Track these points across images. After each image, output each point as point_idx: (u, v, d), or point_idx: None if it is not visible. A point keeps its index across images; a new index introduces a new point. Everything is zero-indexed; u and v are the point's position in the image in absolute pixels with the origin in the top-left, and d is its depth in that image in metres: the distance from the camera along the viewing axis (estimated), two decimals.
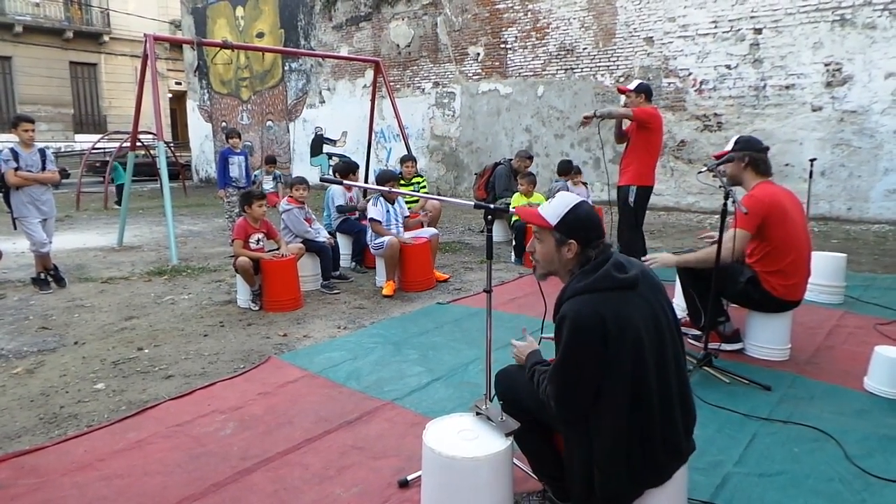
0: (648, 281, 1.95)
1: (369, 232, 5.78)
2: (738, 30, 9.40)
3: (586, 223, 1.97)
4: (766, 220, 3.44)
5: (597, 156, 11.03)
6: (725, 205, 3.31)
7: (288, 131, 16.89)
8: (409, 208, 6.31)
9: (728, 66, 9.54)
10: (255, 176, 10.03)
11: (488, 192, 8.39)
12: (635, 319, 1.82)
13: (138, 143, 9.16)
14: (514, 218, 6.86)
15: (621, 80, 10.59)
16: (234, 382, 3.53)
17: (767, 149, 3.70)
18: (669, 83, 10.12)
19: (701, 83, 9.82)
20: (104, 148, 17.78)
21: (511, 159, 8.32)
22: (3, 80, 23.22)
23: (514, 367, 2.29)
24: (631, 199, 5.37)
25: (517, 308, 4.90)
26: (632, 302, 1.85)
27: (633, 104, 5.42)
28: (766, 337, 3.74)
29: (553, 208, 2.01)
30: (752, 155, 3.57)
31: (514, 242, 6.93)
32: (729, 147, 3.64)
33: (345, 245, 6.62)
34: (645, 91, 5.46)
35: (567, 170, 7.93)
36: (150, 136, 14.00)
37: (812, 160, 7.77)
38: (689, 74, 9.91)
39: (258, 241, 5.25)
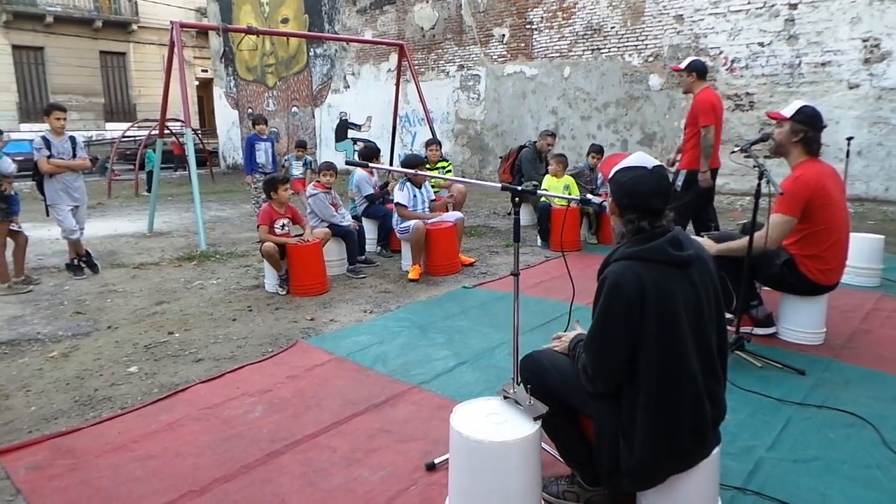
0: (702, 266, 1.90)
1: (395, 216, 5.77)
2: (773, 5, 9.11)
3: (631, 190, 1.89)
4: (809, 203, 3.32)
5: (624, 138, 10.85)
6: (759, 185, 3.22)
7: (313, 117, 16.95)
8: (434, 192, 6.29)
9: (761, 44, 9.27)
10: (286, 160, 10.08)
11: (513, 175, 8.32)
12: (677, 298, 1.79)
13: (166, 131, 9.27)
14: (539, 200, 6.78)
15: (650, 59, 10.38)
16: (263, 366, 3.57)
17: (825, 127, 3.52)
18: None
19: (732, 61, 9.57)
20: (134, 136, 18.05)
21: (535, 142, 8.23)
22: (36, 71, 23.68)
23: (541, 351, 2.27)
24: (678, 182, 5.21)
25: (543, 292, 4.86)
26: (678, 281, 1.82)
27: (685, 84, 5.20)
28: (801, 321, 3.66)
29: (620, 163, 1.97)
30: (809, 133, 3.39)
31: (538, 226, 6.87)
32: (789, 112, 3.42)
33: (370, 229, 6.63)
34: (696, 69, 5.14)
35: (591, 150, 7.73)
36: (179, 124, 14.17)
37: (849, 139, 7.53)
38: (721, 53, 9.66)
39: (283, 226, 5.28)
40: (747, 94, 9.50)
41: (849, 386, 3.08)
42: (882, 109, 8.42)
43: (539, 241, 6.84)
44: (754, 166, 3.20)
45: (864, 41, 8.44)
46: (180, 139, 16.21)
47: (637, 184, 1.89)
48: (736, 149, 3.54)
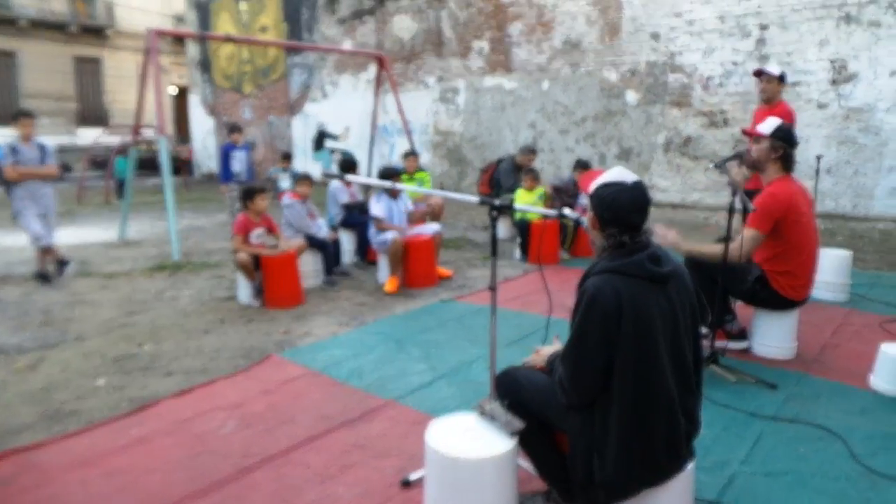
0: (679, 282, 1.94)
1: (371, 227, 5.76)
2: (744, 25, 9.33)
3: (612, 205, 1.92)
4: (781, 220, 3.39)
5: (602, 152, 10.99)
6: (733, 202, 3.29)
7: (290, 126, 16.87)
8: (412, 203, 6.30)
9: (734, 63, 9.48)
10: (272, 172, 9.97)
11: (492, 187, 8.36)
12: (654, 312, 1.82)
13: (140, 139, 9.15)
14: (518, 214, 6.83)
15: (627, 75, 10.54)
16: (235, 380, 3.53)
17: (797, 144, 3.60)
18: (675, 79, 10.07)
19: (707, 79, 9.76)
20: (108, 143, 17.74)
21: (514, 156, 8.28)
22: (9, 75, 23.22)
23: (518, 368, 2.28)
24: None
25: (521, 305, 4.87)
26: (656, 296, 1.85)
27: (769, 92, 5.02)
28: (773, 335, 3.73)
29: (599, 178, 1.99)
30: (788, 150, 3.46)
31: (518, 239, 6.90)
32: (768, 130, 3.47)
33: (347, 241, 6.61)
34: (785, 78, 5.05)
35: (577, 167, 7.81)
36: (152, 132, 14.00)
37: (819, 157, 7.73)
38: (696, 70, 9.85)
39: (259, 236, 5.24)
40: (721, 111, 9.69)
41: (819, 399, 3.14)
42: (849, 129, 8.66)
43: (518, 254, 6.88)
44: (728, 183, 3.27)
45: (832, 62, 8.68)
46: (153, 147, 15.98)
47: (617, 199, 1.92)
48: (711, 166, 3.62)
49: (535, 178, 6.94)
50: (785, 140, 3.46)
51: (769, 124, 3.50)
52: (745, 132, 3.66)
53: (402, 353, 3.91)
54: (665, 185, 10.29)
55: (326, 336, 4.30)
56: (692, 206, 10.13)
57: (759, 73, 5.09)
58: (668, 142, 10.24)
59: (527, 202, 6.74)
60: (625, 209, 1.90)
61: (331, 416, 3.04)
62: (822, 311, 4.57)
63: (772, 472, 2.49)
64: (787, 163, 3.49)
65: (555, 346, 2.25)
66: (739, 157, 3.56)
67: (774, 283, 3.52)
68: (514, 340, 3.98)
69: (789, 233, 3.43)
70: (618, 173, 1.96)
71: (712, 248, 3.49)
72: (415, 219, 6.08)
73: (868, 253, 6.78)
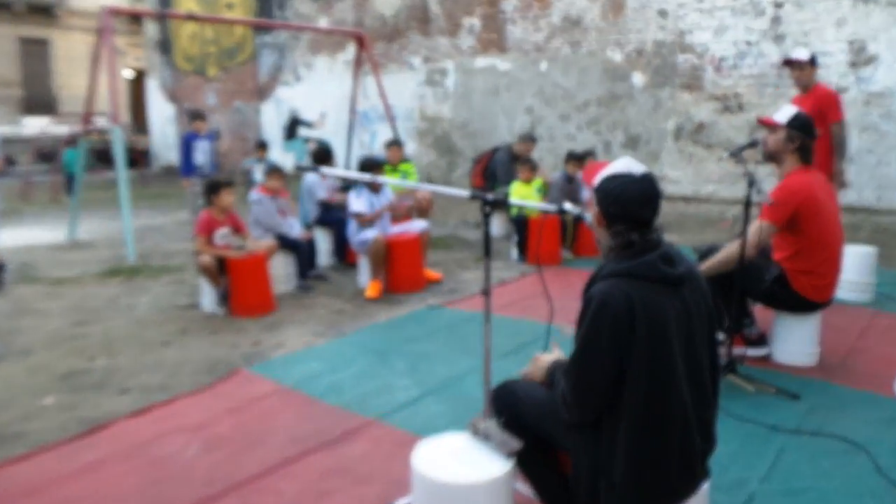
0: (694, 284, 1.94)
1: (350, 225, 5.74)
2: (758, 3, 9.39)
3: (618, 199, 1.91)
4: (797, 212, 3.43)
5: (607, 139, 11.03)
6: (749, 194, 3.31)
7: (259, 113, 16.79)
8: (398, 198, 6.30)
9: (748, 42, 9.54)
10: (246, 164, 9.91)
11: (486, 180, 8.37)
12: (669, 318, 1.83)
13: (92, 128, 9.07)
14: (514, 210, 6.84)
15: (633, 55, 10.58)
16: (199, 398, 3.51)
17: (816, 136, 3.64)
18: (685, 59, 10.12)
19: (720, 60, 9.82)
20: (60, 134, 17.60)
21: (511, 144, 8.30)
22: None
23: (515, 380, 2.28)
24: None
25: (519, 311, 4.88)
26: (670, 300, 1.85)
27: (804, 78, 5.13)
28: (794, 340, 3.77)
29: (604, 170, 2.00)
30: (806, 141, 3.50)
31: (515, 237, 6.91)
32: (783, 118, 3.50)
33: (324, 240, 6.59)
34: (816, 61, 5.13)
35: (570, 157, 7.82)
36: (105, 120, 13.87)
37: None
38: (707, 51, 9.90)
39: (224, 236, 5.22)
40: (735, 95, 9.74)
41: (843, 409, 3.19)
42: (871, 115, 8.73)
43: (515, 254, 6.89)
44: (744, 174, 3.28)
45: (851, 43, 8.75)
46: (106, 136, 15.88)
47: (624, 192, 1.91)
48: (724, 155, 3.63)
49: (532, 168, 6.95)
50: (802, 130, 3.48)
51: (785, 112, 3.53)
52: (760, 121, 3.68)
53: (386, 366, 3.90)
54: (676, 176, 10.34)
55: (300, 348, 4.29)
56: (706, 198, 10.19)
57: (788, 63, 5.17)
58: (679, 128, 10.29)
59: (524, 196, 6.76)
60: (633, 203, 1.90)
61: (305, 437, 3.02)
62: (845, 313, 4.62)
63: (793, 489, 2.52)
64: (805, 154, 3.52)
65: (555, 355, 2.24)
66: (755, 144, 3.58)
67: (795, 283, 3.55)
68: (510, 351, 3.99)
69: (809, 227, 3.46)
70: (625, 164, 1.96)
71: (726, 252, 3.50)
72: (399, 215, 6.06)
73: (894, 249, 6.84)
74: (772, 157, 3.59)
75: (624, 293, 1.81)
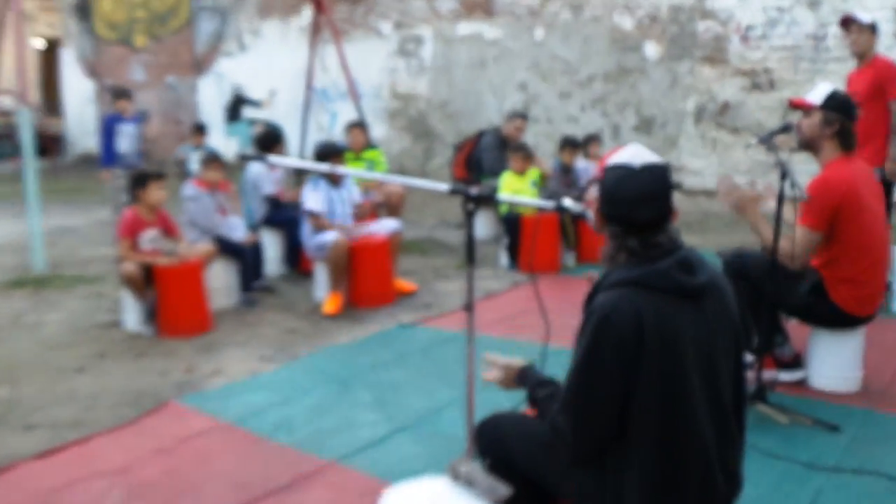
0: (718, 296, 1.95)
1: (305, 226, 5.72)
2: None
3: (611, 196, 1.93)
4: (839, 212, 3.47)
5: (615, 122, 11.10)
6: (782, 187, 3.34)
7: (196, 90, 16.71)
8: (363, 193, 6.31)
9: (779, 9, 9.65)
10: (181, 151, 9.86)
11: (470, 171, 8.38)
12: (685, 337, 1.84)
13: None
14: (504, 207, 6.86)
15: (646, 22, 10.66)
16: (120, 435, 3.49)
17: (857, 117, 3.67)
18: (707, 28, 10.22)
19: (747, 29, 9.93)
20: None
21: (499, 127, 8.32)
22: None
23: (504, 413, 2.28)
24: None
25: (510, 330, 4.90)
26: (688, 315, 1.86)
27: (861, 45, 5.21)
28: (834, 361, 3.82)
29: (609, 158, 2.02)
30: (845, 123, 3.53)
31: (505, 240, 6.93)
32: (818, 99, 3.54)
33: (273, 244, 6.58)
34: (874, 28, 5.20)
35: (565, 144, 7.88)
36: (10, 100, 13.74)
37: None
38: (732, 17, 10.01)
39: (153, 239, 5.18)
40: (766, 70, 9.85)
41: (889, 443, 3.24)
42: None
43: (505, 259, 6.90)
44: (775, 164, 3.31)
45: None
46: (11, 119, 15.72)
47: (618, 187, 1.92)
48: (753, 141, 3.66)
49: (526, 156, 6.97)
50: (840, 111, 3.52)
51: (819, 92, 3.57)
52: (792, 104, 3.72)
53: (348, 398, 3.89)
54: (697, 167, 10.42)
55: (244, 375, 4.28)
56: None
57: (846, 23, 5.25)
58: (700, 109, 10.39)
59: (516, 190, 6.78)
60: (625, 201, 1.90)
61: (250, 483, 3.00)
62: (891, 330, 4.68)
63: None
64: (845, 140, 3.56)
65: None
66: (789, 129, 3.62)
67: (834, 294, 3.59)
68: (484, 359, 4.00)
69: (848, 228, 3.50)
70: (630, 153, 1.97)
71: (767, 231, 3.51)
72: (364, 214, 6.05)
73: None
74: (807, 144, 3.63)
75: (631, 306, 1.82)
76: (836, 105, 3.52)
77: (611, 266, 1.97)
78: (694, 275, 1.90)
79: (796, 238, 3.48)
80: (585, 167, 7.70)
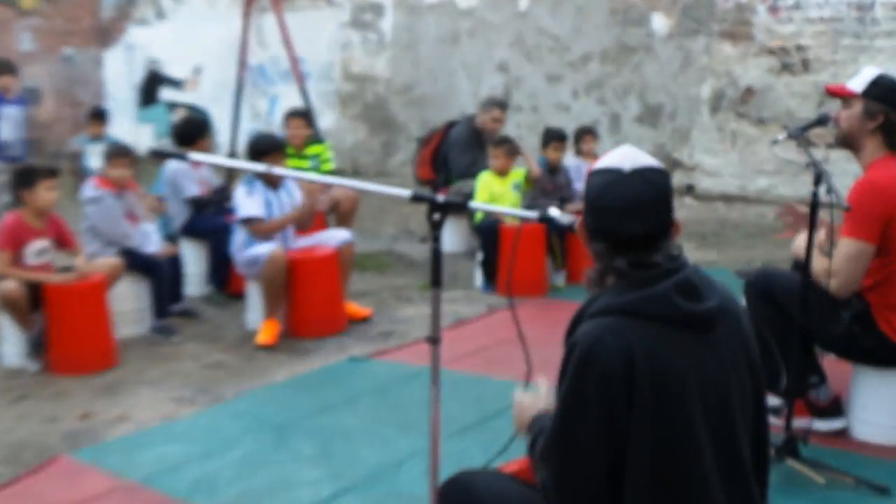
0: (731, 325, 1.94)
1: (236, 237, 5.70)
2: None
3: (594, 206, 1.94)
4: (888, 224, 3.48)
5: (615, 111, 11.17)
6: (815, 193, 3.35)
7: (101, 64, 16.59)
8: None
9: None
10: (75, 143, 9.77)
11: (438, 171, 8.36)
12: (688, 378, 1.82)
13: None
14: (478, 215, 6.85)
15: None
16: None
17: None
18: None
19: None
20: None
21: (473, 116, 8.32)
22: None
23: (476, 470, 2.27)
24: None
25: (485, 366, 4.90)
26: (692, 350, 1.85)
27: None
28: (881, 408, 3.81)
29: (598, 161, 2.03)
30: (891, 115, 3.54)
31: (480, 255, 6.93)
32: (860, 86, 3.55)
33: (195, 258, 6.55)
34: None
35: (549, 138, 7.86)
36: None
37: None
38: None
39: (42, 252, 5.14)
40: (798, 48, 9.98)
41: None
42: None
43: (479, 279, 6.91)
44: (808, 164, 3.33)
45: None
46: None
47: (603, 195, 1.92)
48: (781, 136, 3.67)
49: (509, 152, 6.97)
50: (885, 101, 3.55)
51: (863, 77, 3.58)
52: (829, 91, 3.75)
53: (285, 449, 3.87)
54: (714, 166, 10.51)
55: (154, 421, 4.24)
56: (756, 198, 10.37)
57: None
58: (718, 96, 10.48)
59: (495, 196, 6.81)
60: (612, 211, 1.90)
61: None
62: None
63: None
64: (890, 136, 3.59)
65: (537, 393, 2.28)
66: (825, 122, 3.64)
67: (883, 324, 3.60)
68: (469, 425, 3.98)
69: None
70: (621, 155, 1.97)
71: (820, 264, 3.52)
72: (307, 222, 6.03)
73: None
74: (846, 140, 3.66)
75: (620, 339, 1.80)
76: (882, 93, 3.53)
77: (597, 290, 1.96)
78: (699, 300, 1.88)
79: (840, 255, 3.45)
80: (577, 166, 7.71)
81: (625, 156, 1.96)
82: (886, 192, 3.48)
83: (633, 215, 1.89)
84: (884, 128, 3.56)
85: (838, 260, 3.46)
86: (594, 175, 1.96)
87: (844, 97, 3.62)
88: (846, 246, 3.48)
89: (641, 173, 1.92)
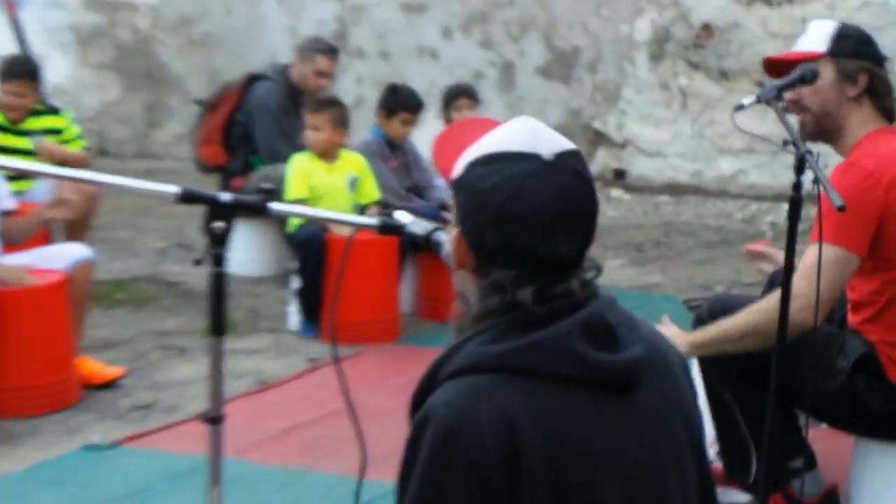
0: (664, 380, 1.96)
1: None
2: None
3: (503, 213, 1.86)
4: (884, 218, 3.59)
5: (508, 59, 11.31)
6: (799, 183, 3.40)
7: None
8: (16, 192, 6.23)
9: None
10: None
11: (232, 150, 8.34)
12: (604, 465, 1.83)
13: None
14: (293, 222, 6.83)
15: None
16: None
17: (886, 59, 3.85)
18: None
19: None
20: None
21: (288, 66, 8.33)
22: None
23: None
24: None
25: (302, 452, 4.92)
26: (609, 422, 1.85)
27: None
28: (890, 495, 3.92)
29: (478, 143, 1.98)
30: (874, 70, 3.69)
31: (298, 281, 6.96)
32: (821, 43, 3.70)
33: None
34: None
35: (396, 105, 7.89)
36: None
37: None
38: None
39: None
40: None
41: None
42: None
43: (296, 318, 6.96)
44: (785, 143, 3.38)
45: None
46: None
47: (517, 200, 1.89)
48: (748, 100, 3.72)
49: (337, 122, 7.01)
50: (864, 54, 3.72)
51: (818, 35, 3.74)
52: (770, 63, 3.86)
53: None
54: (654, 143, 10.76)
55: None
56: (718, 190, 10.66)
57: None
58: (661, 37, 10.75)
59: (317, 190, 6.88)
60: (531, 224, 1.87)
61: None
62: None
63: None
64: (880, 98, 3.74)
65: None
66: (809, 78, 3.72)
67: (890, 370, 3.70)
68: None
69: None
70: (521, 131, 1.94)
71: (747, 316, 3.62)
72: (24, 232, 5.91)
73: None
74: (821, 124, 3.77)
75: (495, 410, 1.79)
76: (855, 46, 3.71)
77: (480, 328, 1.94)
78: (615, 348, 1.89)
79: (808, 265, 3.50)
80: (412, 147, 7.84)
81: (536, 133, 1.92)
82: (880, 173, 3.58)
83: (565, 228, 1.88)
84: (871, 91, 3.70)
85: (806, 267, 3.51)
86: (489, 165, 1.93)
87: (802, 62, 3.66)
88: (824, 250, 3.46)
89: (567, 162, 1.90)
